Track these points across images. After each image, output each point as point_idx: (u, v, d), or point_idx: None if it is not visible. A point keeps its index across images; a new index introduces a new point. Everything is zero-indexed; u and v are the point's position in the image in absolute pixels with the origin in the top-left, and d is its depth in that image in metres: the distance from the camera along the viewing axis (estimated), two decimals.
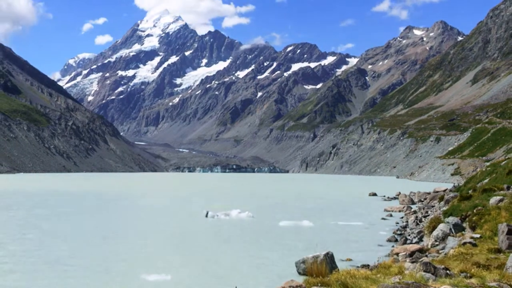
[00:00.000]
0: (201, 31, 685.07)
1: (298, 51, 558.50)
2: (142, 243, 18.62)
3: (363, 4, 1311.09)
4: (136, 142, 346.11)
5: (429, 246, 14.37)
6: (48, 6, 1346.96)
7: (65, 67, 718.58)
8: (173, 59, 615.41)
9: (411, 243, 17.13)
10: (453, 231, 14.39)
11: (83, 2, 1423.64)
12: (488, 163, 55.96)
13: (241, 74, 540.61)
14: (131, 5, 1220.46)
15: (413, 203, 38.13)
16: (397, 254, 14.23)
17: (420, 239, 17.93)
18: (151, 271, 13.29)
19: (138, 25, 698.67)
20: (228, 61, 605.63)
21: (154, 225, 24.62)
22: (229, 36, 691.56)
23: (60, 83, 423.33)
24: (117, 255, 16.13)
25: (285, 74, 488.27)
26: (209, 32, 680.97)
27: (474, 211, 15.08)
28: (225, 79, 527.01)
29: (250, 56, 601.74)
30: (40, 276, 13.01)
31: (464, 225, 14.79)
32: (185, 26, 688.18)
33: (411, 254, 13.31)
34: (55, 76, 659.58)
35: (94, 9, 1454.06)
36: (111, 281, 12.62)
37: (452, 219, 15.11)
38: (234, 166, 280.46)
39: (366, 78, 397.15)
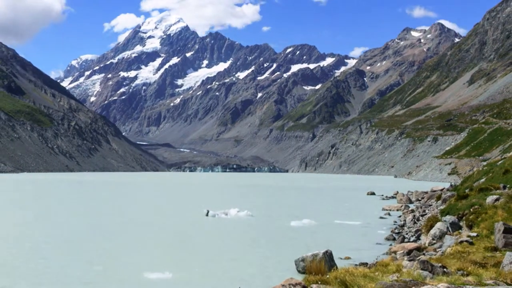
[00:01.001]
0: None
1: (298, 52, 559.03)
2: (142, 241, 18.73)
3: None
4: (138, 142, 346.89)
5: (427, 245, 14.49)
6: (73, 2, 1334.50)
7: (68, 68, 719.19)
8: (174, 60, 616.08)
9: (408, 241, 17.23)
10: (450, 229, 14.52)
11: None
12: (484, 163, 56.10)
13: (241, 75, 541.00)
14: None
15: (411, 202, 38.22)
16: (395, 252, 14.36)
17: (418, 238, 18.02)
18: (152, 269, 13.34)
19: (140, 27, 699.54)
20: (229, 62, 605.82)
21: (155, 224, 24.72)
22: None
23: (63, 84, 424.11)
24: (118, 253, 16.23)
25: (285, 75, 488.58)
26: (210, 33, 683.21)
27: (471, 210, 15.19)
28: (226, 80, 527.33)
29: (250, 57, 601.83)
30: (39, 274, 13.01)
31: (461, 223, 14.90)
32: (186, 27, 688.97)
33: (409, 252, 13.45)
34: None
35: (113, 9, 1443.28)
36: (111, 279, 12.70)
37: (449, 218, 15.23)
38: (235, 166, 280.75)
39: (365, 79, 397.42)
